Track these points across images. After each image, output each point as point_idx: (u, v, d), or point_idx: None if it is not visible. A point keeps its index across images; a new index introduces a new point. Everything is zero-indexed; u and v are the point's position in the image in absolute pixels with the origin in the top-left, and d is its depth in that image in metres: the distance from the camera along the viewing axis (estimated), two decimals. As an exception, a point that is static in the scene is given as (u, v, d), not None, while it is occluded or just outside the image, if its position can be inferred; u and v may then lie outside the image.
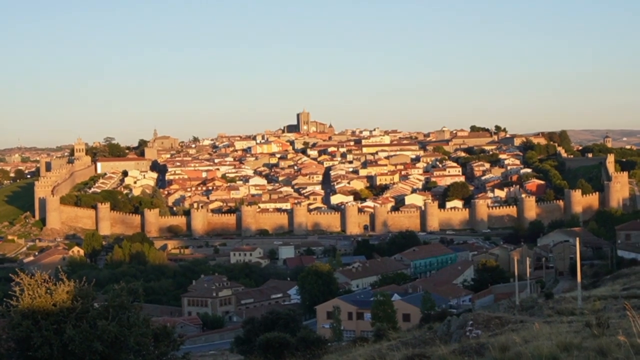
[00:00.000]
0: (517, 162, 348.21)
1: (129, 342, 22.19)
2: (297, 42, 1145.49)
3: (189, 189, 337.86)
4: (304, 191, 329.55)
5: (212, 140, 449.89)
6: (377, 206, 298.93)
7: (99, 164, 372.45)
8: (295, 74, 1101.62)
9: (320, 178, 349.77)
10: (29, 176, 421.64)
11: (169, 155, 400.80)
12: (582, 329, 24.04)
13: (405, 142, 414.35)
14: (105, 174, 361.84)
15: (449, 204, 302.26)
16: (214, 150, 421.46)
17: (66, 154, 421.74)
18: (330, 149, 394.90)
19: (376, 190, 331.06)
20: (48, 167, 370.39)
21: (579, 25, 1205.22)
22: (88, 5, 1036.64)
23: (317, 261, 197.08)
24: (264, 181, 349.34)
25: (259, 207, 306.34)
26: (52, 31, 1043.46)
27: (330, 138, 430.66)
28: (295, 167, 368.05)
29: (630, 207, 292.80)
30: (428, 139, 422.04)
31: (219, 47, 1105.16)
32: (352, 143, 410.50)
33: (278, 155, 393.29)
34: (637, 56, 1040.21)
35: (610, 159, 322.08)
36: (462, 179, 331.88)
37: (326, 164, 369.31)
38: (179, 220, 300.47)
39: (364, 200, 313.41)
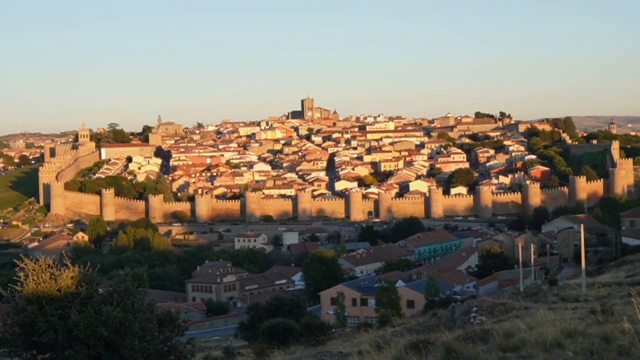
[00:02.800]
0: (522, 148, 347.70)
1: (134, 328, 22.21)
2: (301, 28, 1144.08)
3: (193, 175, 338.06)
4: (308, 177, 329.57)
5: (216, 126, 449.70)
6: (381, 192, 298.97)
7: (103, 150, 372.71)
8: (299, 60, 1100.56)
9: (324, 164, 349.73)
10: (33, 162, 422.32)
11: (173, 142, 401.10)
12: (587, 315, 24.03)
13: (409, 128, 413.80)
14: (110, 159, 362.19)
15: (453, 191, 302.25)
16: (218, 137, 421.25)
17: (70, 139, 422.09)
18: (334, 135, 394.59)
19: (380, 176, 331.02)
20: (52, 153, 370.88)
21: (585, 11, 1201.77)
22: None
23: (321, 247, 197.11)
24: (268, 167, 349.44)
25: (263, 193, 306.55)
26: (56, 16, 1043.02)
27: (334, 124, 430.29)
28: (300, 153, 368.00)
29: (635, 193, 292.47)
30: (432, 125, 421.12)
31: (223, 33, 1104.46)
32: (356, 129, 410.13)
33: (282, 142, 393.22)
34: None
35: (615, 146, 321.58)
36: (467, 165, 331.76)
37: (330, 150, 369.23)
38: (183, 206, 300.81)
39: (368, 186, 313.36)
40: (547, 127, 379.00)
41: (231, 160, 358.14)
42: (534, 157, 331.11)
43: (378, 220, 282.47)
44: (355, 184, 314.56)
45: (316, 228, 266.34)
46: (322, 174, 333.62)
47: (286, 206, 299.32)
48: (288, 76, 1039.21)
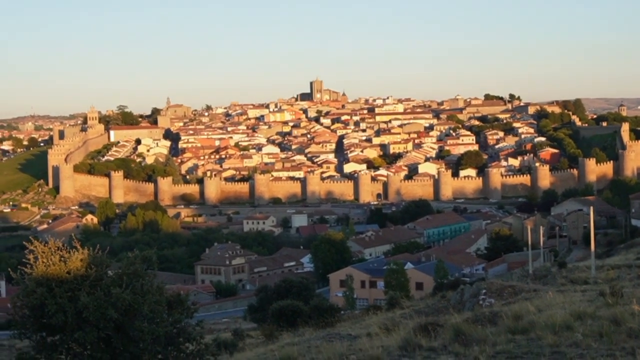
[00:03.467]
0: (531, 130, 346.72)
1: (143, 310, 22.24)
2: (310, 9, 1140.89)
3: (202, 157, 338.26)
4: (317, 159, 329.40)
5: (225, 108, 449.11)
6: (390, 175, 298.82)
7: (112, 132, 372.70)
8: (308, 42, 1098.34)
9: (333, 146, 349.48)
10: (42, 144, 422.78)
11: (182, 124, 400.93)
12: (596, 298, 24.03)
13: (418, 110, 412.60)
14: (119, 142, 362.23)
15: (462, 173, 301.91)
16: (227, 119, 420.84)
17: (79, 122, 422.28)
18: (343, 117, 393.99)
19: (389, 158, 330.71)
20: (61, 135, 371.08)
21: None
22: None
23: (330, 230, 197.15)
24: (277, 149, 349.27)
25: (272, 176, 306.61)
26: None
27: (343, 106, 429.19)
28: (309, 136, 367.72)
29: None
30: (442, 107, 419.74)
31: (232, 15, 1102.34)
32: (365, 111, 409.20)
33: (291, 124, 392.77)
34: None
35: (625, 128, 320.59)
36: (476, 147, 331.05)
37: (339, 133, 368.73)
38: (192, 189, 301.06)
39: (377, 168, 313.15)
40: (557, 109, 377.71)
41: (240, 143, 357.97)
42: (543, 139, 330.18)
43: (387, 202, 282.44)
44: (364, 166, 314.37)
45: (325, 210, 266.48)
46: (330, 156, 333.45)
47: (295, 188, 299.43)
48: (297, 58, 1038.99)
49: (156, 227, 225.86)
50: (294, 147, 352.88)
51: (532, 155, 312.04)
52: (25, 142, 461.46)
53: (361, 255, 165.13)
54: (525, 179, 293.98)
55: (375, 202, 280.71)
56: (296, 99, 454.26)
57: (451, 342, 17.95)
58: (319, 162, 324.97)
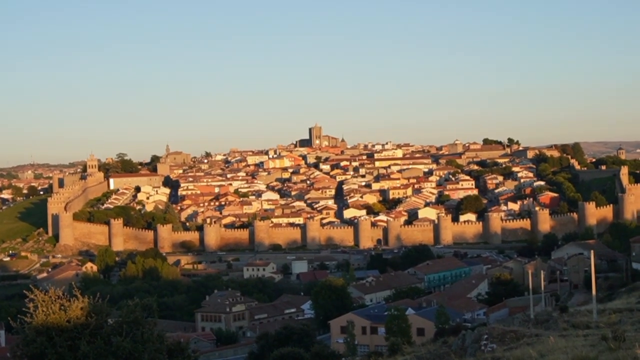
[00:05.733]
0: (531, 174, 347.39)
1: (143, 358, 22.18)
2: (308, 56, 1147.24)
3: (201, 204, 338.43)
4: (317, 205, 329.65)
5: (224, 155, 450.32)
6: (390, 220, 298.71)
7: (111, 180, 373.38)
8: (307, 88, 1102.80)
9: (332, 192, 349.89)
10: (41, 193, 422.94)
11: (181, 171, 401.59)
12: (598, 342, 23.93)
13: (417, 155, 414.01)
14: (118, 189, 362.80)
15: (462, 218, 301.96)
16: (226, 166, 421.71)
17: (79, 170, 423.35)
18: (342, 163, 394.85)
19: (389, 204, 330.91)
20: (61, 184, 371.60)
21: (594, 38, 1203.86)
22: (98, 14, 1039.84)
23: (330, 276, 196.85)
24: (276, 196, 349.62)
25: (272, 222, 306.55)
26: (63, 45, 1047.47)
27: (342, 152, 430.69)
28: (308, 182, 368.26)
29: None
30: (441, 152, 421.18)
31: (231, 62, 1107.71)
32: (364, 157, 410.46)
33: (290, 170, 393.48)
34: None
35: (624, 171, 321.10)
36: (476, 192, 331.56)
37: (339, 178, 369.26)
38: (192, 236, 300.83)
39: (377, 214, 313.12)
40: (556, 153, 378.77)
41: (239, 189, 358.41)
42: (542, 183, 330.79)
43: (387, 247, 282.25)
44: (364, 211, 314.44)
45: (325, 256, 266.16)
46: (330, 202, 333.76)
47: (295, 235, 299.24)
48: (296, 105, 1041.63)
49: (156, 275, 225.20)
50: (293, 193, 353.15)
51: (531, 199, 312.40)
52: (24, 191, 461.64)
53: (362, 301, 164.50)
54: (525, 223, 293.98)
55: (375, 248, 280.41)
56: (295, 145, 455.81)
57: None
58: (318, 208, 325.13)
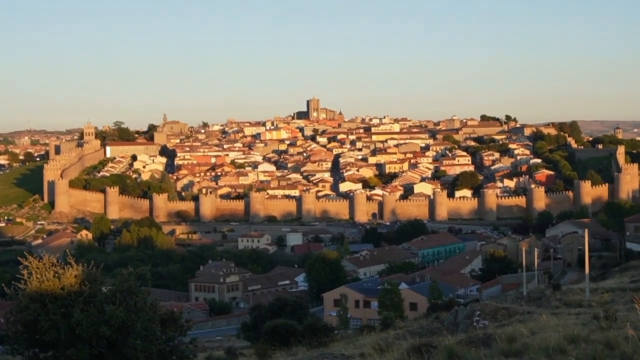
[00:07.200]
0: (527, 152, 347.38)
1: (136, 327, 22.21)
2: (308, 28, 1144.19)
3: (197, 174, 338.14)
4: (313, 178, 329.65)
5: (221, 125, 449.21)
6: (385, 194, 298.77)
7: (108, 148, 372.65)
8: (305, 60, 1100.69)
9: (329, 165, 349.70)
10: (38, 159, 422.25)
11: (178, 140, 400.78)
12: (590, 321, 23.99)
13: (414, 130, 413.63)
14: (115, 158, 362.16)
15: (457, 194, 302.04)
16: (223, 136, 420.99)
17: (76, 137, 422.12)
18: (339, 136, 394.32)
19: (385, 178, 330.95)
20: (57, 151, 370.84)
21: (593, 15, 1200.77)
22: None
23: (325, 249, 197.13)
24: (272, 167, 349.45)
25: (268, 194, 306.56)
26: (62, 13, 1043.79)
27: (339, 125, 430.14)
28: (305, 154, 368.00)
29: (639, 199, 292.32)
30: (438, 127, 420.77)
31: (230, 33, 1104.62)
32: (361, 131, 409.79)
33: (287, 142, 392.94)
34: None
35: (621, 151, 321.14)
36: (472, 168, 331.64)
37: (335, 152, 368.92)
38: (188, 206, 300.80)
39: (372, 188, 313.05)
40: (553, 131, 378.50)
41: (236, 160, 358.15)
42: (539, 161, 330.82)
43: (382, 222, 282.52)
44: (359, 185, 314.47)
45: (320, 229, 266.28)
46: (326, 175, 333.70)
47: (290, 207, 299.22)
48: (294, 77, 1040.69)
49: (151, 244, 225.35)
50: (289, 165, 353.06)
51: (527, 176, 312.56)
52: (21, 157, 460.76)
53: (355, 274, 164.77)
54: (520, 201, 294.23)
55: (370, 222, 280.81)
56: (293, 118, 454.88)
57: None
58: (314, 181, 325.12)
